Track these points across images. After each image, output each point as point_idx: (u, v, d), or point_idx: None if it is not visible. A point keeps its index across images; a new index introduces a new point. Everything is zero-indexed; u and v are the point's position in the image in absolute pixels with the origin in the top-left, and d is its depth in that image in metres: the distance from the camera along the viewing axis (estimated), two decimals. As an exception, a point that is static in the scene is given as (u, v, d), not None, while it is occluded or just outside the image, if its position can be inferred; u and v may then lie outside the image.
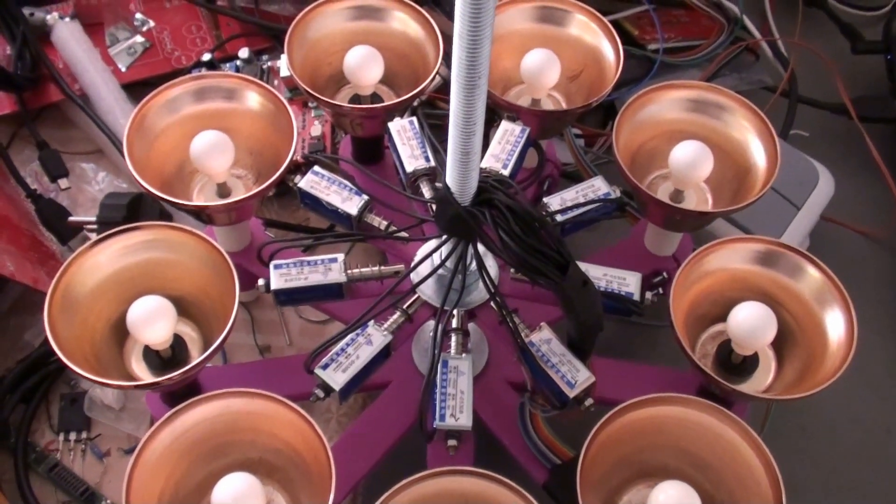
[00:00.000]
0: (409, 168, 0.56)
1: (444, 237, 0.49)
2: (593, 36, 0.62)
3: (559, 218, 0.56)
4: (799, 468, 0.65)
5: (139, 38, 0.78)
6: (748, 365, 0.54)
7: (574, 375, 0.49)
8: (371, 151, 0.65)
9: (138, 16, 0.79)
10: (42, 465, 0.62)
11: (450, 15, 0.73)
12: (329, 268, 0.53)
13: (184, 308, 0.53)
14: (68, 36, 0.75)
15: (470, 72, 0.38)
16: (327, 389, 0.49)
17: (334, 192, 0.56)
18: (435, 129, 0.58)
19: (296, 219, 0.72)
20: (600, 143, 0.76)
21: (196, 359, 0.49)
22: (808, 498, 0.64)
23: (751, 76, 0.80)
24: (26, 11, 0.76)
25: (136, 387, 0.50)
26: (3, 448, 0.62)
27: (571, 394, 0.49)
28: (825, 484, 0.65)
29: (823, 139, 0.79)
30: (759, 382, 0.54)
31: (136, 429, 0.63)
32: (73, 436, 0.63)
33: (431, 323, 0.57)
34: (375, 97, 0.62)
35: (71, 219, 0.68)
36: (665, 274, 0.61)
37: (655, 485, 0.47)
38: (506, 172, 0.55)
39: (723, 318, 0.53)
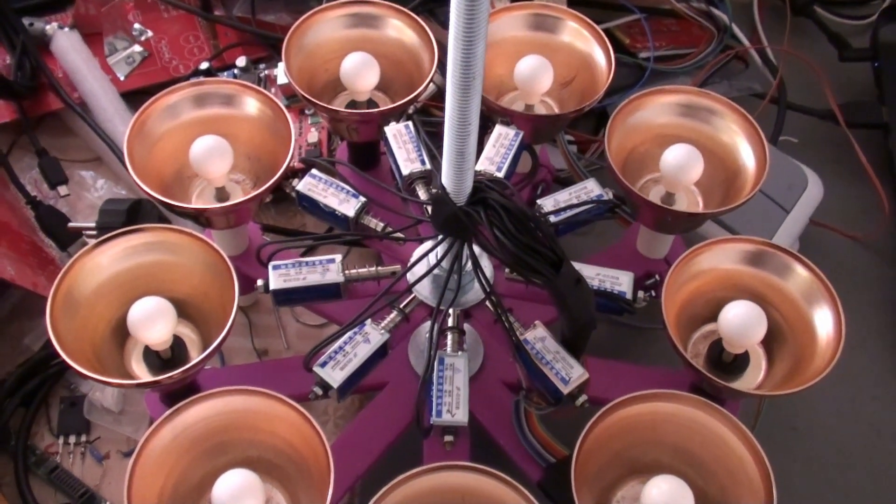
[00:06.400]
0: (405, 171, 0.57)
1: (440, 237, 0.49)
2: (585, 43, 0.63)
3: (552, 219, 0.57)
4: (790, 468, 0.65)
5: (137, 48, 0.79)
6: (739, 363, 0.55)
7: (568, 372, 0.50)
8: (367, 157, 0.66)
9: (136, 26, 0.80)
10: (42, 467, 0.62)
11: (444, 24, 0.74)
12: (327, 268, 0.54)
13: (184, 310, 0.54)
14: (68, 45, 0.76)
15: (465, 71, 0.39)
16: (325, 387, 0.50)
17: (331, 194, 0.56)
18: (430, 136, 0.59)
19: (293, 224, 0.73)
20: (593, 150, 0.77)
21: (195, 359, 0.50)
22: (798, 497, 0.64)
23: (740, 83, 0.81)
24: (26, 21, 0.77)
25: (137, 385, 0.51)
26: (4, 451, 0.62)
27: (566, 390, 0.50)
28: (816, 483, 0.65)
29: (812, 145, 0.80)
30: (749, 380, 0.55)
31: (135, 431, 0.63)
32: (72, 439, 0.63)
33: (427, 324, 0.58)
34: (371, 103, 0.63)
35: (70, 224, 0.68)
36: (657, 276, 0.62)
37: (648, 480, 0.48)
38: (500, 175, 0.56)
39: (714, 317, 0.54)
